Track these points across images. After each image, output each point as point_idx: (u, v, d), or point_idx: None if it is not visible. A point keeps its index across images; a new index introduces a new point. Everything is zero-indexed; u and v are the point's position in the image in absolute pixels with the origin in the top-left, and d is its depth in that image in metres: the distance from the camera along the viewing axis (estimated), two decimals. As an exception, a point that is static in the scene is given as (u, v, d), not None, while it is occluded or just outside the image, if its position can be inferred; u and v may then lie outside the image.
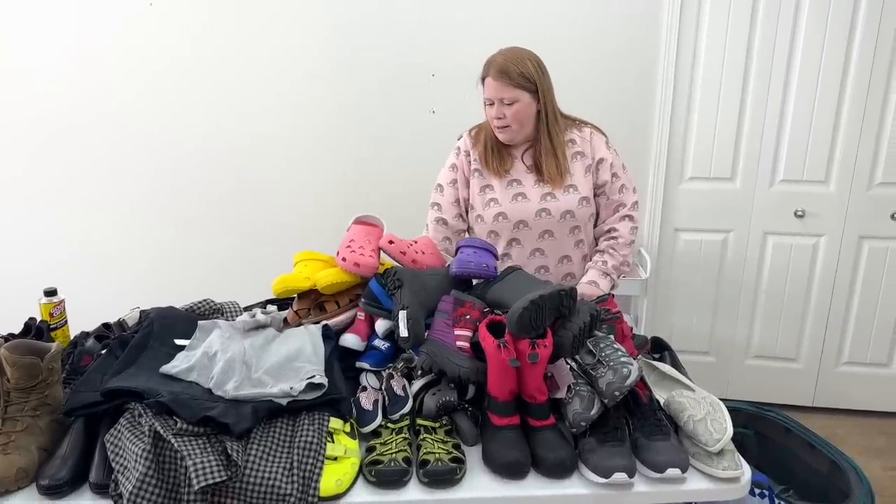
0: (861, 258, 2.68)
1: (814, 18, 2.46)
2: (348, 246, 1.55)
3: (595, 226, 1.88)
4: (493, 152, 1.79)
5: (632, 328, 1.57)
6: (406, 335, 1.39)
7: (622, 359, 1.34)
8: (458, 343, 1.38)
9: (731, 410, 1.62)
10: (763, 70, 2.54)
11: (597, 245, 1.88)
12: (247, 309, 1.70)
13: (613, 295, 1.78)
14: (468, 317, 1.42)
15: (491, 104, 1.72)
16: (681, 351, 2.93)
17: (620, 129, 2.64)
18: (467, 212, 1.88)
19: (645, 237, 2.77)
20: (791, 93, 2.55)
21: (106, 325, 1.60)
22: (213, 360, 1.36)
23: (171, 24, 2.73)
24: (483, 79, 1.73)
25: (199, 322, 1.47)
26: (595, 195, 1.83)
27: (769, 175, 2.65)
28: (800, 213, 2.65)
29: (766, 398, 2.89)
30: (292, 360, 1.38)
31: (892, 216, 2.61)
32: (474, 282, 1.60)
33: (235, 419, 1.22)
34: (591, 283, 1.78)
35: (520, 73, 1.68)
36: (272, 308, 1.68)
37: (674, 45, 2.55)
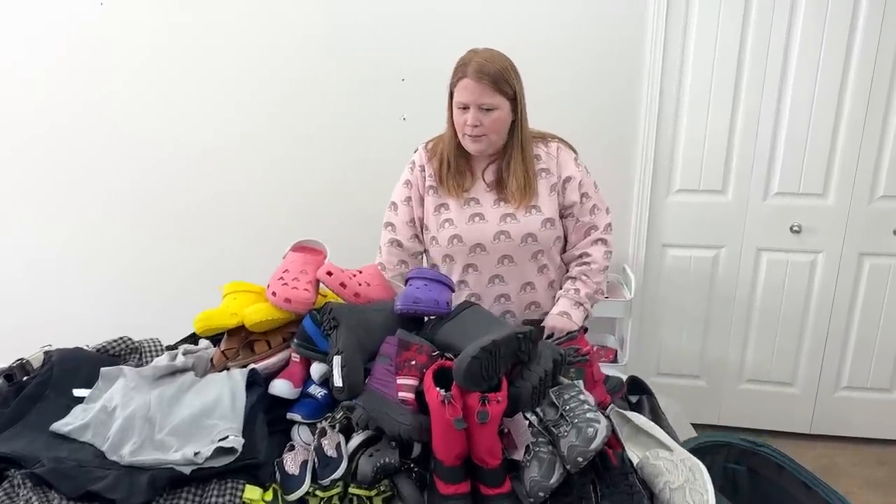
0: (862, 276, 2.50)
1: (811, 19, 2.28)
2: (280, 278, 1.36)
3: (564, 250, 1.69)
4: (451, 168, 1.60)
5: (605, 376, 1.38)
6: (340, 385, 1.20)
7: (588, 415, 1.15)
8: (401, 394, 1.19)
9: (723, 446, 1.45)
10: (757, 73, 2.36)
11: (567, 271, 1.69)
12: (171, 348, 1.51)
13: (586, 329, 1.60)
14: (414, 362, 1.22)
15: (464, 109, 1.52)
16: (669, 374, 2.81)
17: (602, 136, 2.47)
18: (423, 232, 1.69)
19: (630, 253, 2.58)
20: (787, 99, 2.37)
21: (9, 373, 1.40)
22: (111, 417, 1.17)
23: (136, 26, 2.57)
24: (457, 80, 1.52)
25: (102, 369, 1.27)
26: (562, 216, 1.64)
27: (763, 187, 2.47)
28: (796, 227, 2.47)
29: (760, 425, 2.71)
30: (205, 416, 1.18)
31: (895, 231, 2.42)
32: (427, 318, 1.41)
33: (127, 492, 1.03)
34: (562, 315, 1.59)
35: (502, 77, 1.49)
36: (205, 343, 1.49)
37: (660, 46, 2.37)
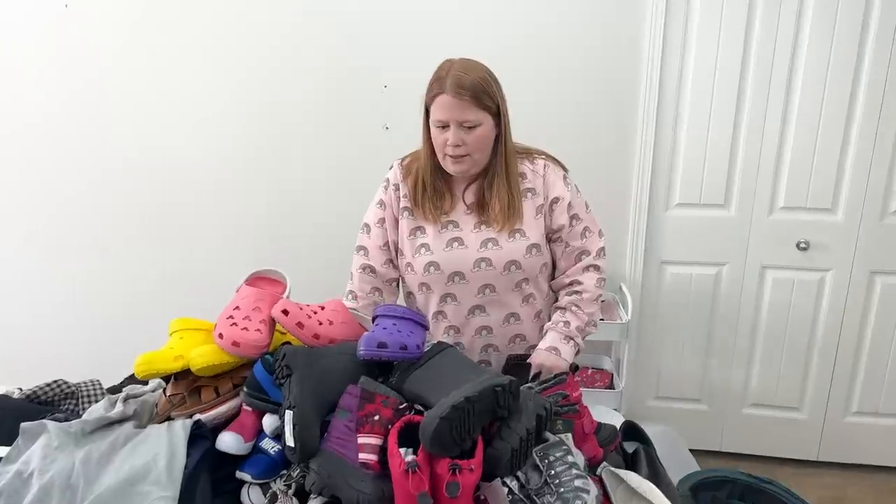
0: (873, 295, 2.35)
1: (820, 24, 2.13)
2: (230, 317, 1.20)
3: (552, 276, 1.54)
4: (427, 190, 1.44)
5: (598, 424, 1.22)
6: (292, 445, 1.05)
7: (576, 482, 1.00)
8: (362, 456, 1.04)
9: (726, 481, 1.31)
10: (761, 80, 2.21)
11: (556, 300, 1.54)
12: (115, 389, 1.35)
13: (577, 368, 1.44)
14: (377, 417, 1.07)
15: (443, 128, 1.37)
16: (668, 398, 2.66)
17: (597, 147, 2.32)
18: (398, 257, 1.53)
19: (627, 271, 2.43)
20: (794, 107, 2.22)
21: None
22: (26, 484, 1.01)
23: (92, 30, 2.42)
24: (434, 97, 1.37)
25: (23, 425, 1.11)
26: (550, 240, 1.49)
27: (768, 201, 2.32)
28: (803, 244, 2.32)
29: (764, 451, 2.56)
30: (137, 482, 1.03)
31: (909, 248, 2.28)
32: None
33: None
34: (550, 350, 1.43)
35: (483, 90, 1.35)
36: (153, 384, 1.34)
37: (658, 50, 2.22)
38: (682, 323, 2.48)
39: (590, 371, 2.41)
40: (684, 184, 2.35)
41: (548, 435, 1.10)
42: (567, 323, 1.45)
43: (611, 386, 2.34)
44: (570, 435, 1.15)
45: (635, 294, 2.41)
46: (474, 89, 1.34)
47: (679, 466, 1.31)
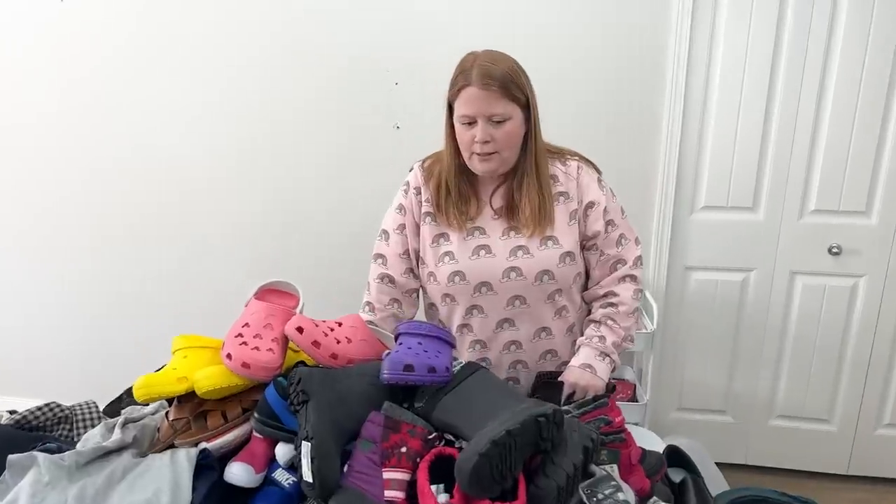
0: (907, 302, 2.24)
1: (855, 18, 2.02)
2: (239, 335, 1.09)
3: (585, 287, 1.43)
4: (451, 194, 1.34)
5: (642, 452, 1.12)
6: (310, 480, 0.94)
7: (630, 524, 0.89)
8: (388, 493, 0.93)
9: (758, 501, 1.19)
10: (793, 77, 2.10)
11: (588, 312, 1.43)
12: (112, 411, 1.24)
13: (613, 388, 1.34)
14: (404, 449, 0.96)
15: (470, 124, 1.26)
16: (692, 409, 2.55)
17: (619, 147, 2.21)
18: (420, 266, 1.42)
19: (650, 277, 2.32)
20: (826, 106, 2.11)
21: None
22: (12, 526, 0.90)
23: (88, 26, 2.33)
24: (459, 90, 1.26)
25: (10, 458, 1.00)
26: (584, 248, 1.38)
27: (799, 204, 2.21)
28: (835, 249, 2.21)
29: (792, 464, 2.45)
30: (137, 523, 0.92)
31: (946, 253, 2.17)
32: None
33: None
34: (584, 368, 1.33)
35: (512, 80, 1.24)
36: (153, 406, 1.23)
37: (685, 45, 2.11)
38: (707, 331, 2.38)
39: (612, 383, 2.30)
40: (711, 186, 2.24)
41: (594, 468, 0.99)
42: (602, 338, 1.35)
43: (633, 399, 2.23)
44: (615, 466, 1.05)
45: (658, 301, 2.30)
46: (503, 79, 1.23)
47: (708, 484, 1.21)
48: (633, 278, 1.38)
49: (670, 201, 2.25)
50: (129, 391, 1.31)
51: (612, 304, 1.37)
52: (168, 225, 2.51)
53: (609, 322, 1.36)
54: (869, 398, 2.35)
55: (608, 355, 1.34)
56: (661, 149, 2.21)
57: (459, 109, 1.26)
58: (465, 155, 1.30)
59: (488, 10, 2.16)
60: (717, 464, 1.60)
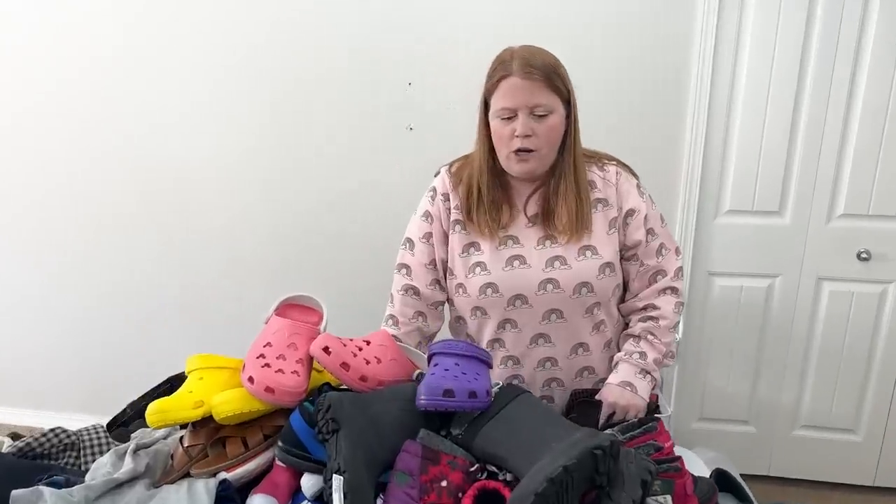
0: (938, 309, 2.17)
1: (886, 16, 1.95)
2: (261, 355, 1.01)
3: (622, 300, 1.35)
4: (482, 200, 1.25)
5: (693, 479, 1.04)
6: (343, 517, 0.86)
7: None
8: (428, 531, 0.85)
9: None
10: (822, 78, 2.02)
11: (626, 326, 1.35)
12: (121, 435, 1.16)
13: (657, 408, 1.26)
14: (444, 483, 0.88)
15: (510, 118, 1.18)
16: (714, 419, 2.46)
17: (641, 149, 2.11)
18: (447, 278, 1.34)
19: (672, 284, 2.24)
20: (856, 107, 2.04)
21: None
22: (17, 572, 0.82)
23: (87, 20, 2.25)
24: (498, 82, 1.18)
25: (14, 494, 0.92)
26: (623, 258, 1.30)
27: (826, 208, 2.14)
28: (864, 254, 2.14)
29: (816, 476, 2.38)
30: (153, 566, 0.84)
31: (979, 259, 2.10)
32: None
33: None
34: (624, 386, 1.25)
35: (555, 70, 1.18)
36: (164, 431, 1.15)
37: (710, 43, 2.03)
38: (730, 339, 2.30)
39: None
40: (735, 189, 2.16)
41: (650, 502, 0.91)
42: (643, 354, 1.27)
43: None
44: (668, 497, 0.97)
45: (681, 308, 2.23)
46: (545, 69, 1.16)
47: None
48: (675, 290, 1.30)
49: (694, 205, 2.17)
50: (132, 405, 1.23)
51: (652, 318, 1.29)
52: (168, 228, 2.44)
53: (649, 337, 1.29)
54: (897, 408, 2.28)
55: (649, 373, 1.27)
56: (685, 150, 2.14)
57: (498, 103, 1.18)
58: (501, 154, 1.22)
59: (506, 10, 2.07)
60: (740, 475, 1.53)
